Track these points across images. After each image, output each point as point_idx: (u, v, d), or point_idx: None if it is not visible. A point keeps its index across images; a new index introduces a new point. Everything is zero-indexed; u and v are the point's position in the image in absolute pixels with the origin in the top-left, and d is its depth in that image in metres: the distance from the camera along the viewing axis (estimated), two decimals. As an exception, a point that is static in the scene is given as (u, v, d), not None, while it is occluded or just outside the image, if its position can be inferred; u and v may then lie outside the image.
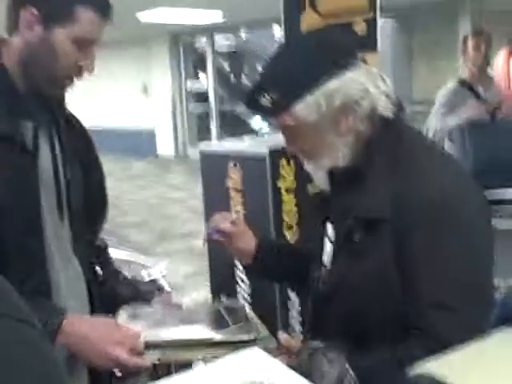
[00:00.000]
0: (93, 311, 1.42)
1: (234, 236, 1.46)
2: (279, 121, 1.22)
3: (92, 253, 1.50)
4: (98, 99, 13.28)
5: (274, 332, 1.31)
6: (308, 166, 1.28)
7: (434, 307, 1.07)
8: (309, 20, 2.55)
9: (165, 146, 12.35)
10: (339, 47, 1.22)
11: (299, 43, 1.27)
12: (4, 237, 1.20)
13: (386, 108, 1.18)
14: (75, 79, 1.30)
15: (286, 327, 2.52)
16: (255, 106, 1.21)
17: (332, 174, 1.24)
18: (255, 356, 1.12)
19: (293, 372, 1.04)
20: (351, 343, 1.10)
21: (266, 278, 1.35)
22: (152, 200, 8.32)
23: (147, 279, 2.28)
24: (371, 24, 2.56)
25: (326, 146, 1.20)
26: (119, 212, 7.60)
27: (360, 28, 2.55)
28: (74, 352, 1.22)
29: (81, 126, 1.49)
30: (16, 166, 1.22)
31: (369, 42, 2.60)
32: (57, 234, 1.31)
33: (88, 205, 1.45)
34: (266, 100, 1.17)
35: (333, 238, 1.28)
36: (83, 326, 1.22)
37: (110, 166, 12.64)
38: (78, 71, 1.28)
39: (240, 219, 1.63)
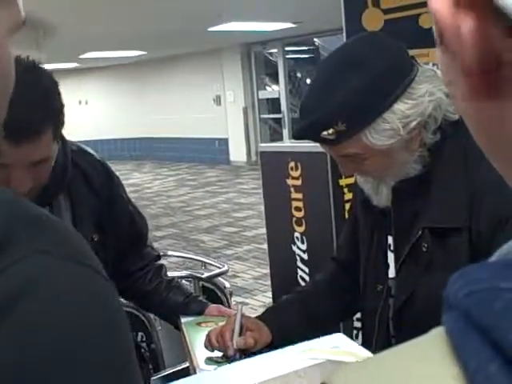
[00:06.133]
0: None
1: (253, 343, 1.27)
2: (340, 149, 1.11)
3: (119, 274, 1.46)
4: (173, 110, 13.65)
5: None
6: (368, 185, 1.19)
7: None
8: (370, 17, 2.50)
9: (237, 154, 12.50)
10: (395, 58, 1.09)
11: (349, 66, 1.07)
12: None
13: (453, 112, 1.10)
14: (24, 195, 1.16)
15: (350, 335, 2.46)
16: (315, 139, 1.11)
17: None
18: (340, 340, 1.13)
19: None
20: None
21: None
22: (222, 205, 8.43)
23: (206, 275, 2.29)
24: (437, 17, 2.46)
25: (397, 164, 1.13)
26: (190, 217, 7.76)
27: (426, 22, 2.47)
28: None
29: (98, 165, 1.45)
30: None
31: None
32: None
33: (120, 238, 1.46)
34: (329, 133, 1.06)
35: (394, 250, 1.21)
36: None
37: (183, 174, 12.92)
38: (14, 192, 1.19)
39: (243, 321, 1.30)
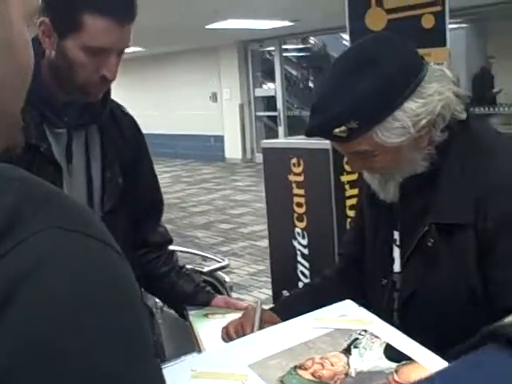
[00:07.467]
0: None
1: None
2: (351, 146, 1.13)
3: (136, 249, 1.47)
4: (169, 107, 13.63)
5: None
6: (375, 182, 1.21)
7: None
8: (374, 16, 2.52)
9: (233, 151, 12.51)
10: (407, 58, 1.11)
11: (364, 64, 1.09)
12: None
13: (461, 111, 1.13)
14: (102, 87, 1.24)
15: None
16: (327, 136, 1.13)
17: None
18: (348, 307, 1.15)
19: (383, 322, 1.06)
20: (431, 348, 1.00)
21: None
22: (218, 202, 8.44)
23: (207, 269, 2.31)
24: (439, 18, 2.49)
25: (405, 161, 1.15)
26: (186, 214, 7.77)
27: (428, 22, 2.50)
28: None
29: (129, 118, 1.45)
30: (41, 175, 1.23)
31: (437, 37, 2.54)
32: None
33: (139, 196, 1.43)
34: (341, 130, 1.08)
35: (400, 245, 1.23)
36: None
37: (178, 170, 12.79)
38: (101, 80, 1.21)
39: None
